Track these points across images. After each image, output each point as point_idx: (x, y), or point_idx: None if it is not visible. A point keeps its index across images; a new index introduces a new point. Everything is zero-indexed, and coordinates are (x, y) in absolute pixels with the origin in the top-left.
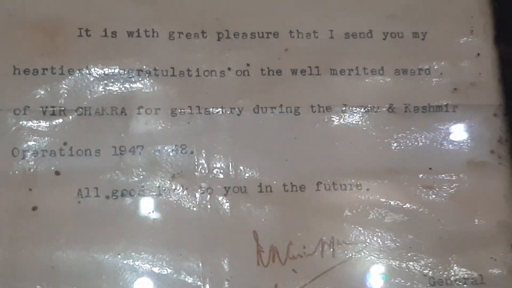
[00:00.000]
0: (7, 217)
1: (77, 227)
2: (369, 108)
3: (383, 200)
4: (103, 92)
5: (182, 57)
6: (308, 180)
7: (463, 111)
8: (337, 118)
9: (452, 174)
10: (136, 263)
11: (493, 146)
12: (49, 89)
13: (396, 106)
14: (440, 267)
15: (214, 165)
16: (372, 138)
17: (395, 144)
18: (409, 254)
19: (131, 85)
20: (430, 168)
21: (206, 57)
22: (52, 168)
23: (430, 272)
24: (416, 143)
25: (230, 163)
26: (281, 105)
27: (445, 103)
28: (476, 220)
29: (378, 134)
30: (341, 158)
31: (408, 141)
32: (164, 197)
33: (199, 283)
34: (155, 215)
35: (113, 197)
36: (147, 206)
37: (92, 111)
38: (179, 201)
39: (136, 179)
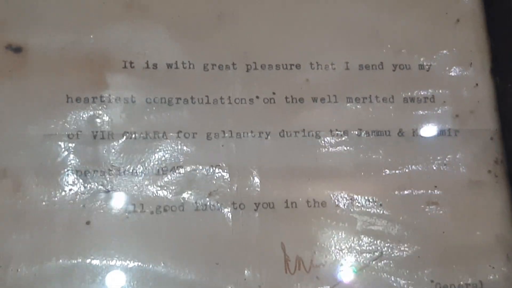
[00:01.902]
0: (64, 231)
1: (125, 239)
2: (381, 133)
3: (395, 214)
4: (146, 118)
5: (215, 86)
6: (329, 197)
7: (464, 135)
8: (353, 141)
9: (455, 191)
10: (178, 271)
11: (490, 166)
12: (98, 116)
13: (405, 131)
14: (445, 274)
15: (245, 184)
16: (384, 159)
17: (404, 165)
18: (418, 263)
19: (171, 111)
20: (435, 186)
21: (237, 86)
22: (102, 186)
23: (437, 279)
24: (422, 164)
25: (259, 182)
26: (303, 129)
27: (448, 128)
28: (476, 233)
29: (389, 156)
30: (357, 177)
31: (415, 162)
32: (202, 212)
33: None
34: (194, 229)
35: (157, 212)
36: (186, 221)
37: (137, 135)
38: (215, 216)
39: (177, 196)
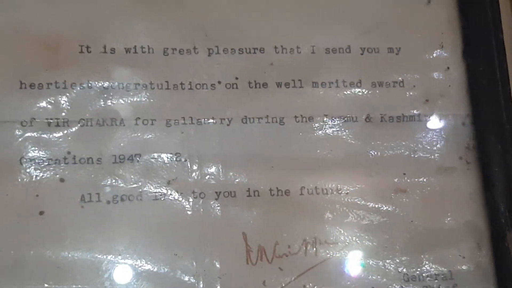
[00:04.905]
0: (16, 221)
1: (80, 230)
2: (348, 118)
3: (361, 203)
4: (103, 105)
5: (175, 71)
6: (293, 185)
7: (434, 120)
8: (319, 127)
9: (424, 178)
10: (135, 262)
11: (461, 152)
12: (53, 102)
13: (373, 116)
14: (413, 264)
15: (206, 172)
16: (351, 145)
17: (372, 151)
18: (385, 253)
19: (129, 98)
20: (404, 173)
21: (198, 71)
22: (57, 175)
23: (404, 269)
24: (391, 150)
25: (220, 170)
26: (267, 115)
27: (417, 113)
28: (445, 221)
29: (356, 142)
30: (323, 165)
31: (384, 148)
32: (161, 202)
33: (193, 280)
34: (152, 218)
35: (114, 202)
36: (144, 210)
37: (93, 122)
38: (174, 205)
39: (135, 185)
